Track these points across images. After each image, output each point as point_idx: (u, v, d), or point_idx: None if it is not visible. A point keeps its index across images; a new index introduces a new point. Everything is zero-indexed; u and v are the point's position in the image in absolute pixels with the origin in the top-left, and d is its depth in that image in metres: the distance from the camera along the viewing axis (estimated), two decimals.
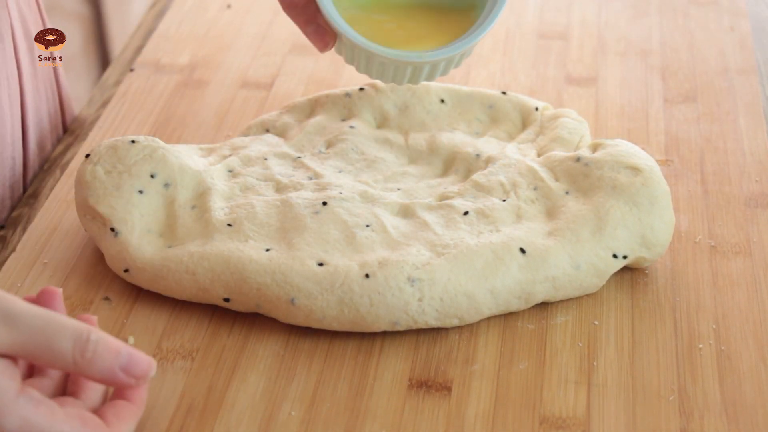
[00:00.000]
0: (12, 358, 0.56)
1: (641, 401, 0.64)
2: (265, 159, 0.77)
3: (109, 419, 0.58)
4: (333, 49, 0.74)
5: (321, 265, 0.67)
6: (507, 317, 0.69)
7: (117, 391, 0.60)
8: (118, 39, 1.76)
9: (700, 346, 0.67)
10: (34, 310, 0.55)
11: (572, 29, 0.99)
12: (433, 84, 0.82)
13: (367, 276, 0.66)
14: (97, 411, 0.59)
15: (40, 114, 0.84)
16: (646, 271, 0.72)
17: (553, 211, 0.71)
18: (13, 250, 0.74)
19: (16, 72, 0.79)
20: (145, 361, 0.58)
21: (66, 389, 0.60)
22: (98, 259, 0.74)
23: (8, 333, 0.54)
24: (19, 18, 0.80)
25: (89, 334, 0.56)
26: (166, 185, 0.72)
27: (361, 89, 0.82)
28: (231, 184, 0.74)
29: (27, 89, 0.80)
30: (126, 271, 0.70)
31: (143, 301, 0.71)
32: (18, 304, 0.55)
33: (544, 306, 0.70)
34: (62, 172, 0.82)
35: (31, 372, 0.60)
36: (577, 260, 0.68)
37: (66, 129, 0.89)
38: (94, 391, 0.60)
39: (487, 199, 0.72)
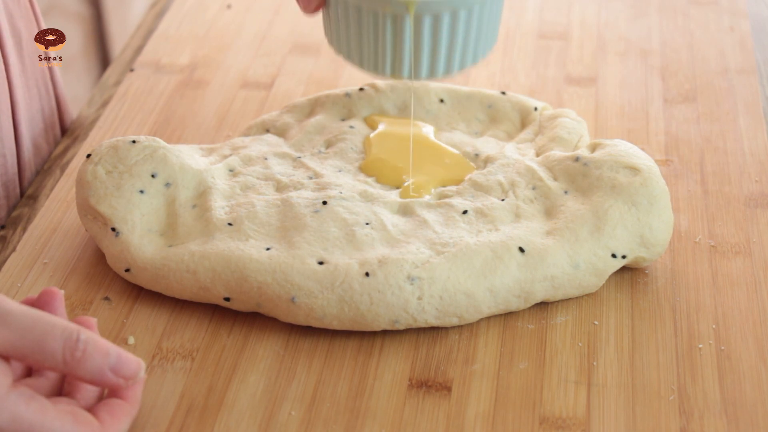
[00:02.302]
0: (5, 357, 0.56)
1: (641, 401, 0.64)
2: (266, 159, 0.77)
3: (103, 417, 0.58)
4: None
5: (321, 263, 0.67)
6: (507, 317, 0.69)
7: (111, 390, 0.60)
8: (118, 39, 1.76)
9: (700, 346, 0.67)
10: (25, 309, 0.55)
11: (572, 29, 0.99)
12: (432, 84, 0.83)
13: (367, 274, 0.66)
14: (91, 409, 0.59)
15: (32, 111, 0.83)
16: (646, 271, 0.72)
17: (552, 211, 0.71)
18: (13, 250, 0.74)
19: (2, 67, 0.79)
20: (134, 362, 0.58)
21: (62, 390, 0.60)
22: (98, 259, 0.74)
23: None
24: (5, 12, 0.80)
25: (79, 333, 0.56)
26: (167, 185, 0.72)
27: (361, 89, 0.82)
28: (231, 183, 0.74)
29: (16, 84, 0.80)
30: (127, 270, 0.70)
31: (143, 301, 0.71)
32: (8, 303, 0.55)
33: (544, 306, 0.70)
34: (62, 172, 0.82)
35: (29, 373, 0.60)
36: (576, 259, 0.68)
37: (64, 128, 0.89)
38: (89, 391, 0.60)
39: (485, 199, 0.72)
